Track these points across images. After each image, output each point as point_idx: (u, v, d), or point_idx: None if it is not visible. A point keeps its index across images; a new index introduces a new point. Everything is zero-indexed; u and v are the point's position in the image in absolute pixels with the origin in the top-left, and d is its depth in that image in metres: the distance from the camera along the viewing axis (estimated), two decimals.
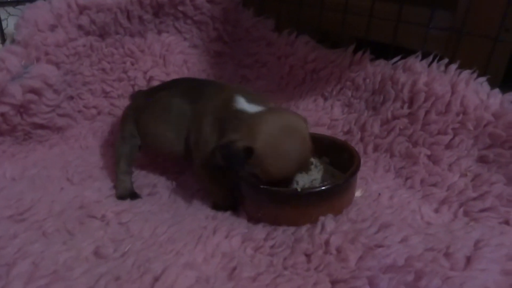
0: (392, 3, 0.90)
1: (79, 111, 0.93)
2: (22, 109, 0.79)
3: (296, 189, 0.62)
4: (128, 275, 0.55)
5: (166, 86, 0.80)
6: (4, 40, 0.89)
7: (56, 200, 0.72)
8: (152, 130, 0.76)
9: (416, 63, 0.82)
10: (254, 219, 0.67)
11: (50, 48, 0.82)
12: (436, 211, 0.69)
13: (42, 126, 0.85)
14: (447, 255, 0.55)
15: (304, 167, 0.65)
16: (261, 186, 0.63)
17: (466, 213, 0.67)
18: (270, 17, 1.12)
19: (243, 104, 0.66)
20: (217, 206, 0.71)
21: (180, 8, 1.01)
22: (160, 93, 0.77)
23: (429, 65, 0.81)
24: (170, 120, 0.74)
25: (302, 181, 0.67)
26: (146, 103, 0.78)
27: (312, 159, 0.73)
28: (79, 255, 0.60)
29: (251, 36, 1.12)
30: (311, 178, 0.70)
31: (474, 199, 0.67)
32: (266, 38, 1.10)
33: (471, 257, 0.55)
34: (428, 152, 0.75)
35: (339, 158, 0.73)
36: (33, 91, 0.78)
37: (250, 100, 0.66)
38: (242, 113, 0.64)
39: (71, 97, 0.91)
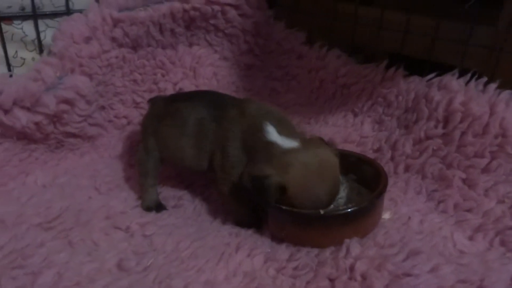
0: (429, 18, 0.87)
1: (110, 121, 0.95)
2: (55, 118, 0.82)
3: (319, 211, 0.60)
4: None
5: (187, 98, 0.78)
6: (42, 52, 0.92)
7: (84, 209, 0.73)
8: (172, 143, 0.74)
9: (453, 81, 0.78)
10: (277, 239, 0.66)
11: (84, 60, 0.84)
12: (470, 238, 0.65)
13: (74, 135, 0.87)
14: None
15: (333, 201, 0.65)
16: (284, 208, 0.62)
17: (502, 243, 0.63)
18: (301, 30, 1.11)
19: (274, 136, 0.64)
20: (240, 223, 0.70)
21: (212, 21, 1.02)
22: (181, 104, 0.75)
23: (467, 83, 0.77)
24: (190, 135, 0.72)
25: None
26: (165, 113, 0.76)
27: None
28: (102, 267, 0.60)
29: (282, 48, 1.11)
30: (337, 196, 0.68)
31: None
32: (297, 51, 1.09)
33: None
34: (463, 176, 0.71)
35: (366, 176, 0.71)
36: (66, 101, 0.80)
37: (280, 130, 0.65)
38: (274, 146, 0.63)
39: (103, 107, 0.93)
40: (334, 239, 0.61)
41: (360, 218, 0.62)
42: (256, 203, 0.68)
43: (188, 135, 0.72)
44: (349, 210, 0.60)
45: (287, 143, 0.63)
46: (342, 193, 0.71)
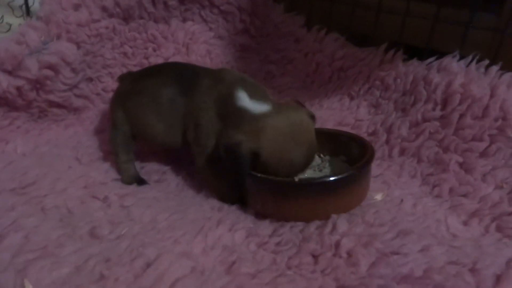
0: (429, 4, 0.84)
1: (97, 94, 0.92)
2: (38, 85, 0.78)
3: (294, 179, 0.57)
4: (119, 258, 0.52)
5: (155, 72, 0.75)
6: (30, 18, 0.88)
7: (61, 178, 0.69)
8: (141, 120, 0.72)
9: (453, 63, 0.76)
10: (262, 215, 0.62)
11: (71, 26, 0.81)
12: (465, 223, 0.62)
13: (58, 105, 0.84)
14: (473, 271, 0.49)
15: (308, 165, 0.63)
16: (259, 175, 0.59)
17: (499, 229, 0.59)
18: (300, 13, 1.08)
19: (245, 101, 0.62)
20: (222, 199, 0.67)
21: None
22: (148, 80, 0.73)
23: (467, 66, 0.74)
24: (160, 111, 0.70)
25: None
26: (133, 89, 0.74)
27: (324, 156, 0.71)
28: (73, 233, 0.57)
29: (280, 31, 1.08)
30: (313, 160, 0.65)
31: (510, 214, 0.60)
32: (294, 34, 1.06)
33: (501, 276, 0.48)
34: (460, 160, 0.68)
35: (356, 156, 0.66)
36: (50, 67, 0.77)
37: (252, 95, 0.63)
38: (245, 111, 0.62)
39: (90, 79, 0.90)
40: (312, 211, 0.58)
41: (340, 189, 0.58)
42: (235, 175, 0.64)
43: (158, 111, 0.70)
44: (327, 179, 0.57)
45: (258, 107, 0.62)
46: (326, 170, 0.68)
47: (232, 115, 0.62)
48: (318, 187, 0.57)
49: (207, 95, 0.66)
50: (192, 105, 0.67)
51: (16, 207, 0.61)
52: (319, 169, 0.69)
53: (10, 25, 0.87)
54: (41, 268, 0.49)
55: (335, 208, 0.58)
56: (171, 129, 0.70)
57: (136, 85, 0.74)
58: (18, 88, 0.76)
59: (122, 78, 0.80)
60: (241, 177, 0.61)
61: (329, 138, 0.71)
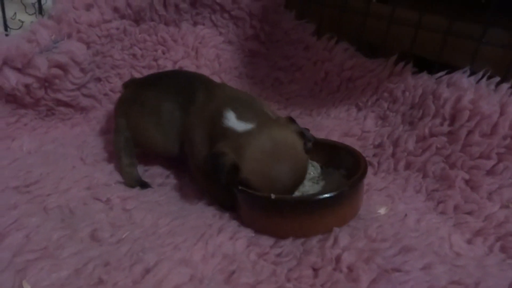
0: (442, 17, 0.83)
1: (105, 94, 0.92)
2: (46, 83, 0.79)
3: (270, 195, 0.56)
4: (118, 262, 0.52)
5: (157, 82, 0.77)
6: (42, 16, 0.89)
7: (65, 178, 0.70)
8: (141, 130, 0.75)
9: (463, 78, 0.75)
10: None
11: (82, 26, 0.82)
12: (469, 242, 0.61)
13: (65, 104, 0.84)
14: None
15: (298, 183, 0.61)
16: (240, 188, 0.58)
17: (503, 249, 0.58)
18: (311, 21, 1.08)
19: (232, 121, 0.63)
20: (222, 207, 0.67)
21: (218, 0, 0.98)
22: (150, 91, 0.76)
23: (477, 82, 0.73)
24: (160, 123, 0.73)
25: (313, 190, 0.63)
26: (135, 99, 0.77)
27: (326, 169, 0.70)
28: (74, 235, 0.57)
29: (289, 38, 1.08)
30: (303, 180, 0.63)
31: None
32: (304, 42, 1.05)
33: None
34: (467, 177, 0.67)
35: (353, 170, 0.65)
36: (59, 66, 0.77)
37: (240, 115, 0.63)
38: (230, 131, 0.62)
39: (99, 79, 0.90)
40: (292, 229, 0.57)
41: (322, 209, 0.56)
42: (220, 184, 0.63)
43: (157, 123, 0.73)
44: (304, 197, 0.57)
45: (242, 126, 0.61)
46: (321, 183, 0.67)
47: (219, 135, 0.63)
48: (294, 205, 0.57)
49: (199, 114, 0.68)
50: (188, 121, 0.70)
51: (18, 206, 0.61)
52: (317, 181, 0.68)
53: (22, 22, 0.88)
54: (40, 269, 0.50)
55: (315, 228, 0.57)
56: (170, 141, 0.73)
57: (138, 95, 0.76)
58: (27, 86, 0.77)
59: (126, 86, 0.83)
60: (224, 186, 0.61)
61: (331, 150, 0.70)
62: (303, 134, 0.63)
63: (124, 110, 0.78)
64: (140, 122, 0.75)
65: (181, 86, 0.74)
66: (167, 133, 0.73)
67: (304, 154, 0.61)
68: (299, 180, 0.61)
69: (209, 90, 0.71)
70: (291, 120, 0.65)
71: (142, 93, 0.76)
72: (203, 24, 1.01)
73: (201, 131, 0.66)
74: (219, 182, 0.59)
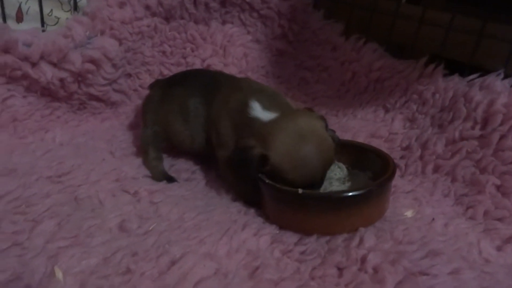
0: (475, 18, 0.81)
1: (135, 90, 0.94)
2: (80, 78, 0.81)
3: (297, 190, 0.56)
4: (145, 253, 0.53)
5: (182, 81, 0.79)
6: (77, 13, 0.92)
7: (95, 170, 0.72)
8: (170, 127, 0.77)
9: (496, 81, 0.73)
10: None
11: (115, 23, 0.84)
12: (499, 249, 0.59)
13: (97, 98, 0.87)
14: None
15: (327, 167, 0.62)
16: (267, 181, 0.59)
17: None
18: (339, 21, 1.07)
19: (258, 111, 0.64)
20: (245, 202, 0.67)
21: None
22: (176, 89, 0.77)
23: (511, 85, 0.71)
24: (187, 119, 0.75)
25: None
26: (163, 96, 0.79)
27: (352, 170, 0.69)
28: (103, 225, 0.58)
29: (317, 38, 1.08)
30: (331, 162, 0.64)
31: None
32: (332, 42, 1.05)
33: None
34: (498, 182, 0.65)
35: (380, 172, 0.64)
36: (93, 61, 0.80)
37: (265, 105, 0.65)
38: (256, 121, 0.63)
39: (129, 75, 0.92)
40: (317, 225, 0.57)
41: (344, 207, 0.56)
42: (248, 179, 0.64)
43: (185, 120, 0.75)
44: (331, 193, 0.58)
45: (267, 116, 0.63)
46: (348, 183, 0.67)
47: (245, 126, 0.64)
48: (321, 201, 0.57)
49: (224, 106, 0.69)
50: (212, 113, 0.71)
51: (51, 195, 0.63)
52: (343, 182, 0.68)
53: (58, 18, 0.91)
54: (71, 256, 0.51)
55: (341, 226, 0.57)
56: (197, 137, 0.75)
57: (165, 94, 0.79)
58: (61, 80, 0.79)
59: (151, 87, 0.85)
60: (252, 180, 0.62)
61: (358, 152, 0.70)
62: (325, 120, 0.64)
63: (152, 108, 0.80)
64: (170, 119, 0.77)
65: (205, 82, 0.76)
66: (194, 129, 0.74)
67: (330, 138, 0.62)
68: (327, 162, 0.61)
69: (233, 83, 0.73)
70: (311, 110, 0.67)
71: (169, 91, 0.79)
72: (232, 23, 1.02)
73: (227, 122, 0.67)
74: (247, 176, 0.60)
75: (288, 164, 0.58)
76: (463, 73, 0.80)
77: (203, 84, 0.76)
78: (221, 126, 0.69)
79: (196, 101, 0.74)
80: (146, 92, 0.96)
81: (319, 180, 0.61)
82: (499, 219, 0.63)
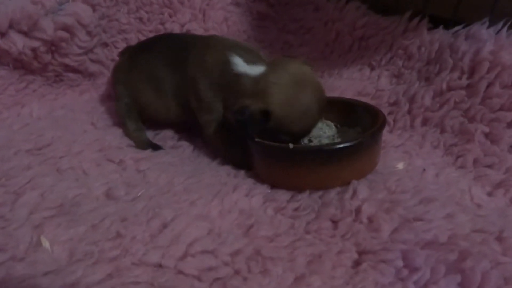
0: None
1: (112, 60, 0.90)
2: (53, 47, 0.77)
3: (288, 145, 0.55)
4: (135, 217, 0.51)
5: (149, 47, 0.75)
6: None
7: (77, 141, 0.69)
8: (141, 97, 0.73)
9: (482, 30, 0.72)
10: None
11: None
12: (490, 194, 0.60)
13: (73, 69, 0.83)
14: (499, 239, 0.48)
15: (323, 111, 0.62)
16: (256, 140, 0.58)
17: None
18: None
19: (242, 66, 0.62)
20: (234, 165, 0.66)
21: None
22: (143, 56, 0.74)
23: (497, 32, 0.70)
24: (158, 88, 0.71)
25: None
26: (131, 65, 0.75)
27: (340, 127, 0.68)
28: (90, 193, 0.57)
29: (298, 0, 1.05)
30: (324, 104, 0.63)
31: None
32: (314, 3, 1.02)
33: None
34: (486, 130, 0.65)
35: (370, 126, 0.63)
36: (65, 28, 0.76)
37: (247, 59, 0.63)
38: (244, 77, 0.61)
39: (106, 44, 0.88)
40: (309, 180, 0.56)
41: (340, 160, 0.55)
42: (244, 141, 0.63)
43: (155, 89, 0.71)
44: (321, 146, 0.57)
45: (255, 70, 0.61)
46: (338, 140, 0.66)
47: (231, 83, 0.62)
48: (312, 154, 0.56)
49: (198, 66, 0.66)
50: (186, 77, 0.67)
51: (32, 167, 0.61)
52: (332, 139, 0.67)
53: None
54: (57, 225, 0.49)
55: (333, 180, 0.56)
56: (172, 105, 0.71)
57: (133, 62, 0.75)
58: (34, 50, 0.75)
59: (122, 53, 0.81)
60: (242, 142, 0.61)
61: (346, 108, 0.69)
62: (310, 64, 0.64)
63: (121, 78, 0.76)
64: (140, 88, 0.73)
65: (172, 46, 0.72)
66: (167, 98, 0.71)
67: (320, 82, 0.62)
68: (323, 107, 0.61)
69: (203, 42, 0.69)
70: (288, 56, 0.66)
71: (136, 59, 0.75)
72: None
73: (206, 83, 0.65)
74: (241, 138, 0.59)
75: (292, 115, 0.57)
76: (447, 28, 0.79)
77: (170, 48, 0.71)
78: (200, 89, 0.65)
79: (163, 69, 0.70)
80: None
81: (314, 125, 0.61)
82: (489, 166, 0.63)
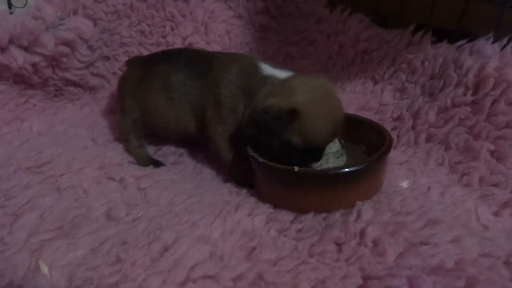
0: None
1: (114, 73, 0.90)
2: (54, 61, 0.77)
3: (293, 168, 0.54)
4: (136, 240, 0.50)
5: (166, 59, 0.74)
6: None
7: (77, 158, 0.68)
8: (152, 108, 0.72)
9: (486, 45, 0.71)
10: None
11: (88, 2, 0.79)
12: (496, 214, 0.59)
13: (74, 83, 0.82)
14: (507, 264, 0.47)
15: (338, 131, 0.61)
16: (261, 160, 0.57)
17: None
18: None
19: (270, 70, 0.64)
20: (238, 182, 0.65)
21: None
22: (159, 67, 0.72)
23: (502, 48, 0.70)
24: (172, 97, 0.70)
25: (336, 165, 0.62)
26: (143, 76, 0.73)
27: (344, 143, 0.68)
28: (90, 214, 0.56)
29: (301, 11, 1.04)
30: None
31: None
32: (316, 15, 1.02)
33: None
34: (492, 147, 0.64)
35: (375, 145, 0.63)
36: (66, 43, 0.75)
37: (274, 66, 0.66)
38: (272, 78, 0.63)
39: (107, 58, 0.88)
40: (314, 202, 0.55)
41: (344, 182, 0.54)
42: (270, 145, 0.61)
43: (169, 98, 0.70)
44: (328, 170, 0.56)
45: (284, 73, 0.64)
46: (343, 158, 0.65)
47: (258, 85, 0.63)
48: (318, 178, 0.55)
49: (225, 71, 0.66)
50: (209, 83, 0.67)
51: (31, 186, 0.60)
52: (337, 156, 0.66)
53: (26, 0, 0.86)
54: (56, 249, 0.49)
55: (338, 202, 0.55)
56: (184, 116, 0.70)
57: (145, 73, 0.73)
58: (34, 65, 0.75)
59: (129, 63, 0.79)
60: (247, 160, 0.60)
61: (351, 123, 0.68)
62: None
63: (130, 90, 0.74)
64: (151, 99, 0.72)
65: (191, 57, 0.72)
66: (181, 108, 0.70)
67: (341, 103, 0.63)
68: (340, 124, 0.61)
69: (226, 56, 0.71)
70: None
71: (151, 70, 0.73)
72: None
73: (229, 87, 0.65)
74: (267, 141, 0.58)
75: (316, 116, 0.57)
76: (451, 41, 0.78)
77: (189, 58, 0.72)
78: (221, 94, 0.65)
79: (183, 77, 0.69)
80: None
81: (331, 139, 0.61)
82: (495, 185, 0.62)
